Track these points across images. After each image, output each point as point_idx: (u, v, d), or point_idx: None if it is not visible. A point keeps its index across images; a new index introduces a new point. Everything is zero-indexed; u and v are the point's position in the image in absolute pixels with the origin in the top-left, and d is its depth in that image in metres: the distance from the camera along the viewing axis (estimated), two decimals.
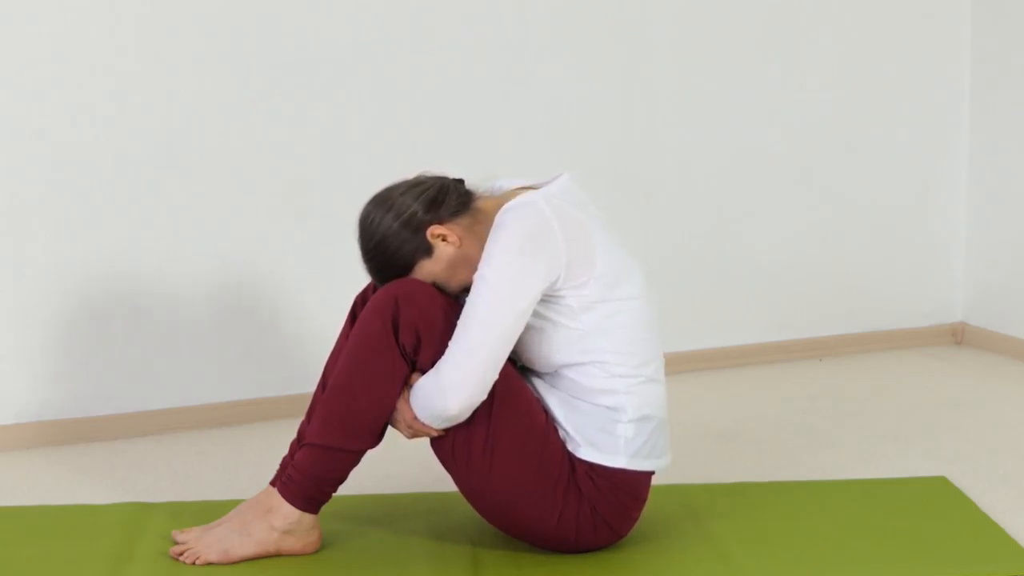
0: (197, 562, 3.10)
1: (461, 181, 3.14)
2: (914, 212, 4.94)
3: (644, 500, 3.14)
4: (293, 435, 3.22)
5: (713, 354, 4.68)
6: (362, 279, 3.22)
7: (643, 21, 4.50)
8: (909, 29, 4.86)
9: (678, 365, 4.37)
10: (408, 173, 3.16)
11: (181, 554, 3.13)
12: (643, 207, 4.54)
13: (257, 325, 4.19)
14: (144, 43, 3.98)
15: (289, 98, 4.14)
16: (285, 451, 3.22)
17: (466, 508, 3.26)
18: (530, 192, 3.05)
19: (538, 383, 3.11)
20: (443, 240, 3.05)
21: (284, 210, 4.18)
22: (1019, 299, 4.76)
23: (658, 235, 4.55)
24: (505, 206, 3.02)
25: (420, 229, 3.04)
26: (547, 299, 3.01)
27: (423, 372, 3.02)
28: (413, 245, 3.05)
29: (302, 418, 3.22)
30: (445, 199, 3.07)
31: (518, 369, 3.09)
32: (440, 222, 3.05)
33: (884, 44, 4.82)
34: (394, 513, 3.39)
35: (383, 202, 3.08)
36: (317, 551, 3.15)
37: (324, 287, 4.15)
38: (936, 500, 3.48)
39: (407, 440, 3.15)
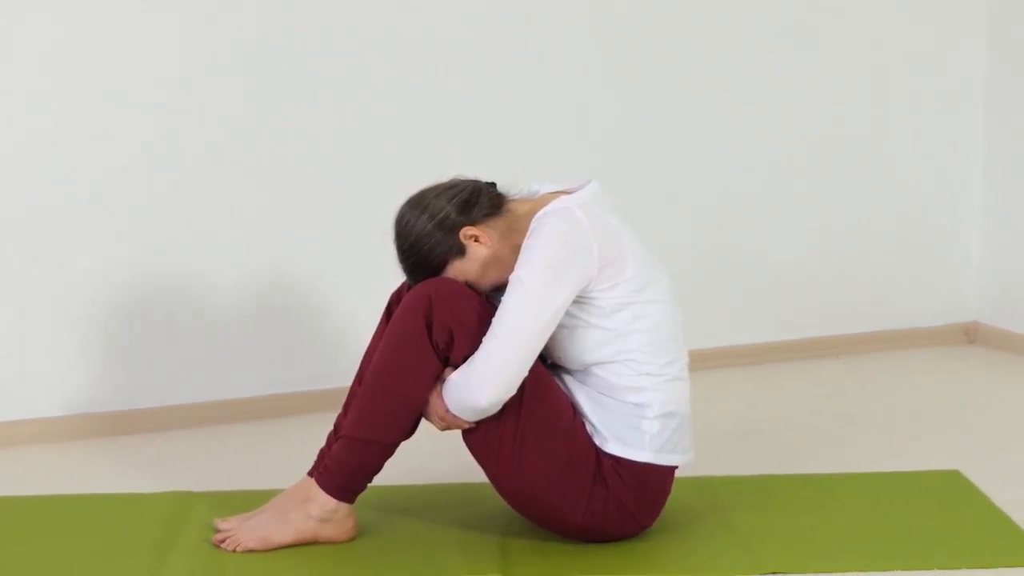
0: (238, 549, 3.11)
1: (493, 184, 3.15)
2: (927, 213, 4.91)
3: (668, 493, 3.14)
4: (330, 427, 3.23)
5: (731, 352, 4.67)
6: (397, 278, 3.22)
7: (664, 34, 4.49)
8: (921, 29, 4.81)
9: (700, 362, 4.36)
10: (441, 177, 3.17)
11: (223, 541, 3.13)
12: (664, 210, 4.53)
13: (294, 322, 4.20)
14: (185, 61, 3.99)
15: (325, 107, 4.15)
16: (322, 443, 3.22)
17: (496, 499, 3.25)
18: (564, 198, 3.05)
19: (567, 379, 3.11)
20: (475, 241, 3.05)
21: (320, 213, 4.19)
22: None
23: (679, 237, 4.54)
24: (542, 211, 3.02)
25: (453, 230, 3.04)
26: (579, 300, 3.01)
27: (455, 367, 3.02)
28: (446, 246, 3.05)
29: (339, 411, 3.23)
30: (478, 201, 3.07)
31: (548, 366, 3.10)
32: (473, 224, 3.05)
33: (895, 43, 4.78)
34: (427, 503, 3.39)
35: (418, 204, 3.09)
36: (352, 539, 3.15)
37: (359, 286, 4.15)
38: (949, 493, 3.47)
39: (439, 432, 3.15)
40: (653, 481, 3.08)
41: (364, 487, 3.13)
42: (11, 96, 3.85)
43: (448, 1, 4.23)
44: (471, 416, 3.01)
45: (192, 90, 4.01)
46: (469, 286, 3.07)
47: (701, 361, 4.35)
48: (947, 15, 4.83)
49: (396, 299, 3.22)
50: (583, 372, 3.09)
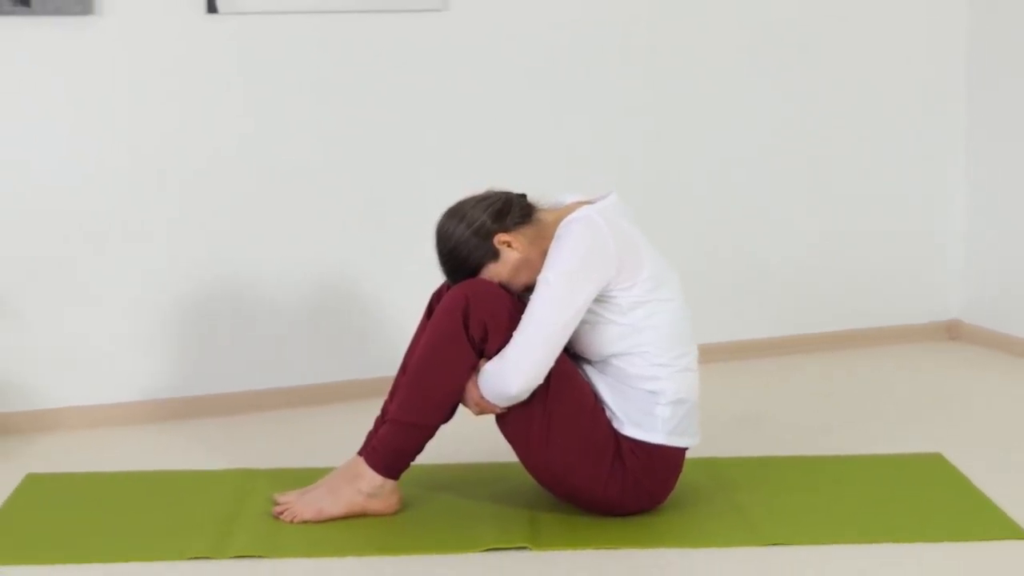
0: (295, 520, 3.11)
1: (524, 195, 3.15)
2: (914, 220, 4.84)
3: (679, 471, 3.14)
4: (377, 412, 3.24)
5: (736, 346, 4.65)
6: (437, 279, 3.22)
7: (675, 56, 4.47)
8: (907, 44, 4.73)
9: (708, 355, 4.34)
10: (476, 188, 3.17)
11: (281, 513, 3.14)
12: (675, 218, 4.50)
13: (346, 318, 4.20)
14: (249, 91, 4.00)
15: (372, 126, 4.14)
16: (370, 426, 3.23)
17: (525, 476, 3.25)
18: (587, 207, 3.05)
19: (589, 370, 3.11)
20: (508, 246, 3.05)
21: (369, 221, 4.18)
22: (1010, 299, 4.70)
23: (689, 242, 4.52)
24: (566, 219, 3.02)
25: (488, 237, 3.04)
26: (600, 299, 3.01)
27: (489, 359, 3.03)
28: (482, 251, 3.05)
29: (385, 397, 3.24)
30: (510, 211, 3.07)
31: (571, 357, 3.10)
32: (505, 231, 3.05)
33: (883, 58, 4.68)
34: (463, 480, 3.39)
35: (456, 213, 3.09)
36: (397, 512, 3.16)
37: (403, 286, 4.14)
38: (932, 474, 3.45)
39: (475, 417, 3.15)
40: (666, 461, 3.08)
41: (408, 465, 3.13)
42: (99, 113, 3.87)
43: (482, 27, 4.23)
44: (503, 402, 3.02)
45: (257, 120, 4.02)
46: (502, 286, 3.07)
47: (709, 354, 4.33)
48: (933, 29, 4.74)
49: (436, 298, 3.23)
50: (603, 363, 3.09)
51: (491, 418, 3.13)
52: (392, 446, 3.08)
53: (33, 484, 3.43)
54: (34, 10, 3.71)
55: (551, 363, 2.98)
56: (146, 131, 3.92)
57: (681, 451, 3.12)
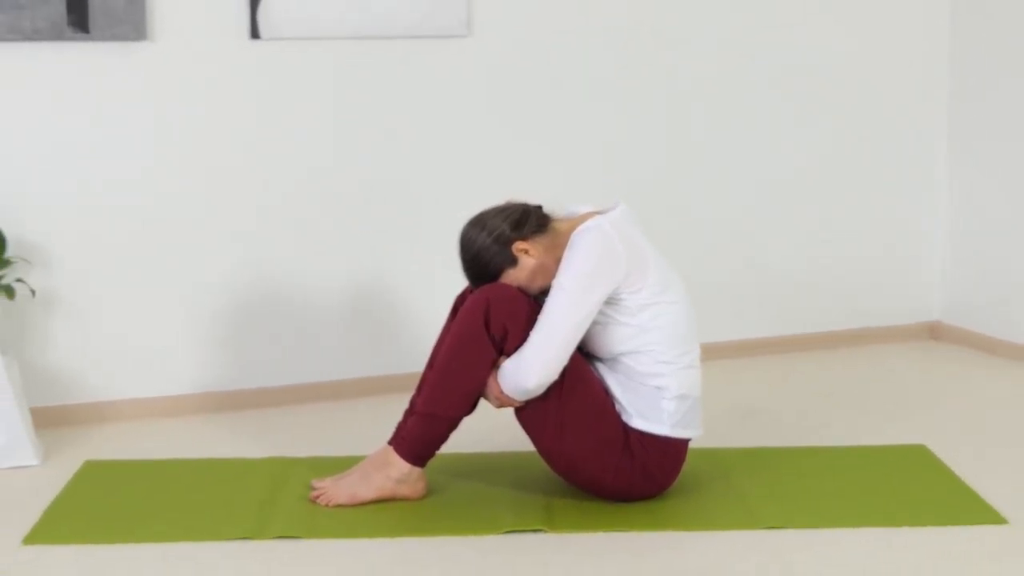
0: (329, 504, 3.12)
1: (540, 207, 3.14)
2: (898, 229, 4.82)
3: (683, 460, 3.13)
4: (406, 405, 3.24)
5: (736, 345, 4.64)
6: (460, 283, 3.22)
7: (678, 79, 4.46)
8: (891, 54, 4.69)
9: (709, 354, 4.33)
10: (497, 200, 3.18)
11: (317, 497, 3.15)
12: (680, 227, 4.49)
13: (377, 318, 4.20)
14: (290, 105, 4.01)
15: (401, 143, 4.14)
16: (399, 418, 3.22)
17: (541, 465, 3.25)
18: (598, 217, 3.05)
19: (600, 366, 3.11)
20: (526, 253, 3.05)
21: (400, 230, 4.19)
22: (986, 302, 4.69)
23: (693, 249, 4.51)
24: (579, 228, 3.02)
25: (507, 244, 3.04)
26: (610, 301, 3.01)
27: (509, 356, 3.03)
28: (502, 257, 3.05)
29: (413, 391, 3.23)
30: (527, 221, 3.07)
31: (584, 355, 3.09)
32: (523, 239, 3.05)
33: (869, 71, 4.65)
34: (485, 468, 3.39)
35: (478, 223, 3.09)
36: (423, 497, 3.16)
37: (429, 289, 4.14)
38: (916, 464, 3.44)
39: (495, 410, 3.16)
40: (671, 451, 3.08)
41: (434, 454, 3.13)
42: (153, 128, 3.88)
43: (502, 52, 4.23)
44: (521, 396, 3.02)
45: (294, 131, 4.03)
46: (520, 290, 3.07)
47: (711, 352, 4.33)
48: (913, 40, 4.66)
49: (460, 300, 3.23)
50: (612, 360, 3.08)
51: (510, 411, 3.13)
52: (419, 436, 3.09)
53: (91, 470, 3.44)
54: (93, 36, 3.73)
55: (565, 360, 2.98)
56: (196, 145, 3.93)
57: (685, 442, 3.11)
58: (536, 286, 3.08)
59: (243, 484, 3.31)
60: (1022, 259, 4.54)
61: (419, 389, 3.18)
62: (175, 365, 3.99)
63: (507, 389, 3.01)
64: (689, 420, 3.09)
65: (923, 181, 4.83)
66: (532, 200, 3.18)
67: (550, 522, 3.01)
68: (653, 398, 3.04)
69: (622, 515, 3.05)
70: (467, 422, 3.14)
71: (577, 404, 3.01)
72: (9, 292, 3.62)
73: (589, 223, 3.02)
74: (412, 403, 3.19)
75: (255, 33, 3.91)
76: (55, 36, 3.69)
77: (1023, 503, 3.12)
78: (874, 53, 4.70)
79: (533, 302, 3.06)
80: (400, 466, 3.11)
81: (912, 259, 4.88)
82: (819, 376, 4.40)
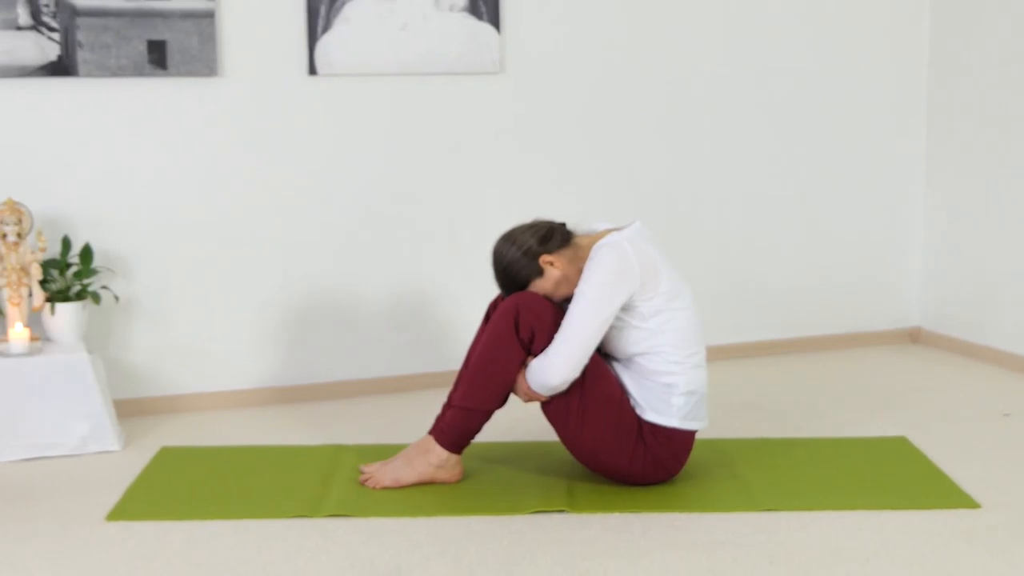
0: (377, 486, 3.13)
1: (564, 224, 3.15)
2: (881, 239, 4.75)
3: (690, 450, 3.13)
4: (444, 399, 3.23)
5: (738, 347, 4.62)
6: (493, 291, 3.24)
7: (686, 111, 4.46)
8: (872, 74, 4.63)
9: (715, 355, 4.32)
10: (526, 218, 3.19)
11: (366, 480, 3.16)
12: (689, 242, 4.49)
13: (419, 323, 4.19)
14: (343, 133, 4.02)
15: (440, 167, 4.14)
16: (439, 410, 3.22)
17: (564, 453, 3.26)
18: (616, 233, 3.05)
19: (616, 366, 3.11)
20: (551, 266, 3.06)
21: (440, 243, 4.19)
22: (963, 308, 4.66)
23: (701, 261, 4.50)
24: (599, 243, 3.03)
25: (535, 257, 3.05)
26: (626, 308, 3.01)
27: (536, 356, 3.04)
28: (530, 269, 3.06)
29: (451, 387, 3.23)
30: (552, 236, 3.08)
31: (602, 356, 3.10)
32: (549, 253, 3.06)
33: (853, 105, 4.62)
34: (514, 455, 3.39)
35: (509, 239, 3.10)
36: (460, 481, 3.17)
37: (466, 296, 4.14)
38: (898, 454, 3.43)
39: (523, 404, 3.17)
40: (679, 441, 3.08)
41: (469, 443, 3.13)
42: (224, 153, 3.89)
43: (531, 87, 4.24)
44: (547, 392, 3.02)
45: (345, 156, 4.04)
46: (546, 298, 3.08)
47: (716, 353, 4.33)
48: (894, 60, 4.63)
49: (492, 307, 3.23)
50: (627, 360, 3.09)
51: (537, 405, 3.14)
52: (456, 427, 3.10)
53: (166, 456, 3.46)
54: (170, 72, 3.77)
55: (586, 360, 2.99)
56: (261, 168, 3.95)
57: (692, 433, 3.11)
58: (560, 294, 3.09)
59: (300, 468, 3.32)
60: (996, 270, 4.51)
61: (456, 385, 3.18)
62: (240, 363, 4.01)
63: (534, 385, 3.02)
64: (696, 414, 3.09)
65: (903, 198, 4.81)
66: (557, 218, 3.19)
67: (572, 504, 3.02)
68: (664, 394, 3.04)
69: (636, 498, 3.05)
70: (498, 414, 3.15)
71: (596, 399, 3.02)
72: (96, 298, 3.66)
73: (608, 239, 3.03)
74: (450, 398, 3.19)
75: (312, 70, 3.94)
76: (137, 72, 3.74)
77: (994, 489, 3.11)
78: (856, 74, 4.64)
79: (558, 309, 3.07)
80: (439, 453, 3.12)
81: (895, 270, 4.86)
82: (812, 375, 4.39)
